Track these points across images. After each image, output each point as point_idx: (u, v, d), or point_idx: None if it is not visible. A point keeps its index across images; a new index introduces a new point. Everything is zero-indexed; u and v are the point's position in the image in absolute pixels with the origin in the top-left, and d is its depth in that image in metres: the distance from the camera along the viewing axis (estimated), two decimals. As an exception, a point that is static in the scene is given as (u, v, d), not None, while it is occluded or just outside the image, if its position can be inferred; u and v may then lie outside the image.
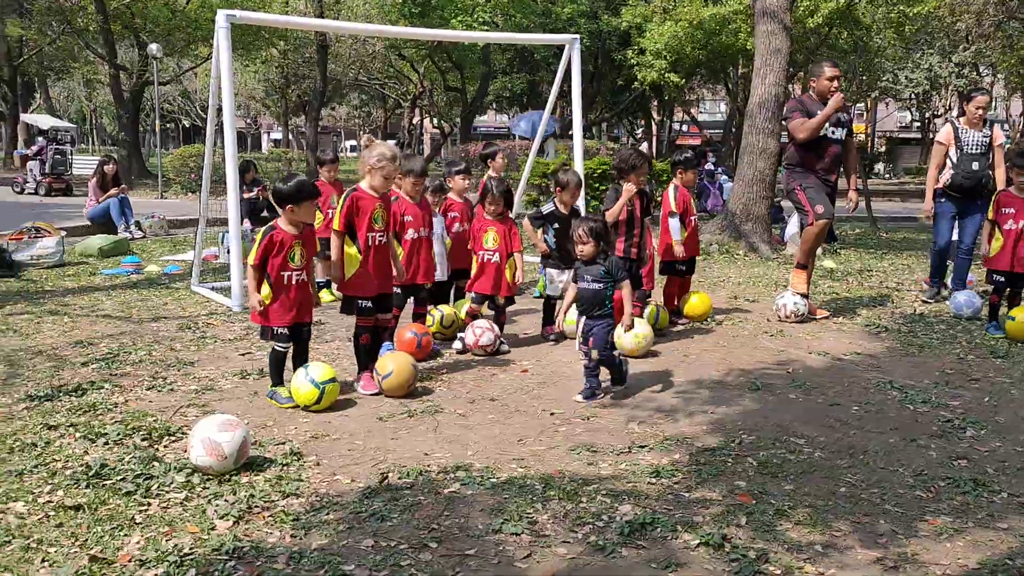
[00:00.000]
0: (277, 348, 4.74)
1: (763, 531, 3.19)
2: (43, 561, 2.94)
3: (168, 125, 54.21)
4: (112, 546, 3.05)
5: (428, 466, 3.86)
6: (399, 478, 3.71)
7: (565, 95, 11.16)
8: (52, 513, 3.31)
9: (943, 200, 7.65)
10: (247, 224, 12.40)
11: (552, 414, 4.65)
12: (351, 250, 4.99)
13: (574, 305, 5.04)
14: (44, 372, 5.34)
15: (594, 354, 4.86)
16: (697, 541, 3.09)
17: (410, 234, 5.60)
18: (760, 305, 7.70)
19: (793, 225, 11.27)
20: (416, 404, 4.78)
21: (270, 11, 25.85)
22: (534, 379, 5.38)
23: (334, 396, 4.67)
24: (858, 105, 44.36)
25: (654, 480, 3.69)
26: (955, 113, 8.62)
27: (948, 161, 7.56)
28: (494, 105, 41.54)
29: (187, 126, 57.72)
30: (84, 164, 24.67)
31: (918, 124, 44.70)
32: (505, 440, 4.24)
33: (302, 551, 3.02)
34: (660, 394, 5.04)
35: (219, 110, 7.73)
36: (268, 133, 65.64)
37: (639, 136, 35.32)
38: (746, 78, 26.43)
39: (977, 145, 7.44)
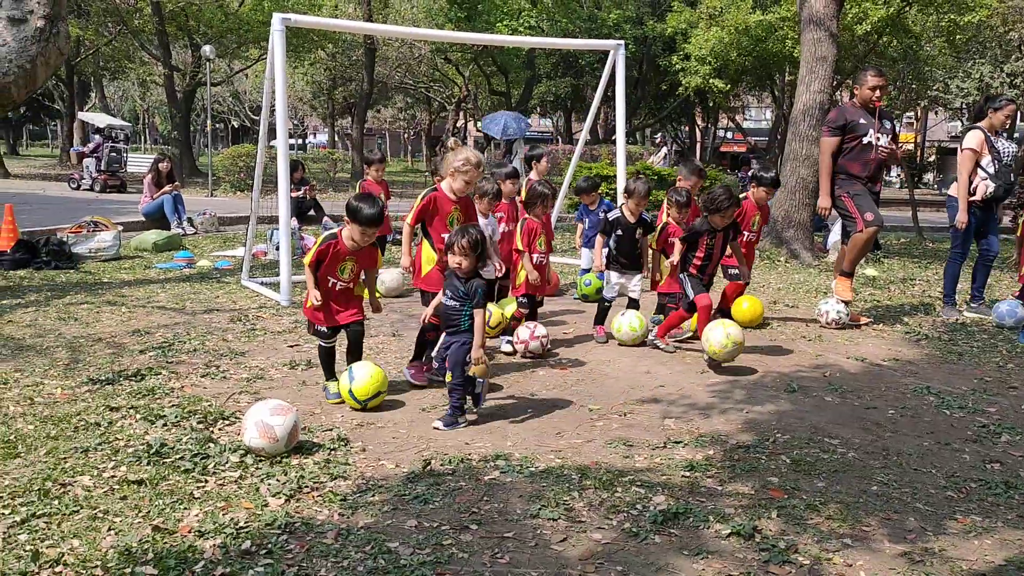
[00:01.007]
0: (321, 344, 4.94)
1: (793, 524, 3.29)
2: (109, 529, 3.14)
3: (218, 125, 55.36)
4: (173, 518, 3.24)
5: (469, 454, 4.00)
6: (441, 465, 3.87)
7: (609, 100, 11.25)
8: (116, 487, 3.52)
9: (972, 211, 7.43)
10: (294, 222, 12.71)
11: (590, 410, 4.77)
12: (428, 249, 5.26)
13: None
14: (104, 358, 5.60)
15: (448, 377, 4.49)
16: (728, 531, 3.20)
17: None
18: (799, 311, 7.74)
19: (836, 233, 11.26)
20: (458, 397, 4.93)
21: (320, 15, 26.37)
22: (573, 376, 5.51)
23: (377, 404, 4.73)
24: (907, 114, 43.76)
25: (688, 473, 3.80)
26: (983, 122, 8.27)
27: (981, 171, 7.36)
28: (538, 109, 41.68)
29: (236, 126, 58.90)
30: (137, 162, 25.31)
31: (969, 134, 43.85)
32: (543, 433, 4.38)
33: (349, 528, 3.19)
34: (696, 392, 5.14)
35: (272, 110, 7.98)
36: (315, 134, 66.60)
37: (657, 141, 35.16)
38: (792, 85, 26.26)
39: (1011, 155, 7.37)
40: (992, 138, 7.38)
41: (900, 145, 7.29)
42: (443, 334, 4.62)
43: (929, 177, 45.86)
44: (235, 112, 53.67)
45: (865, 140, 6.83)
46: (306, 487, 3.57)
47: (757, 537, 3.16)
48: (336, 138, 52.10)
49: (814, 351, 6.24)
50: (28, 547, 2.97)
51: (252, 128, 57.86)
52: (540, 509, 3.38)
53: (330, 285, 4.80)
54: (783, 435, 4.35)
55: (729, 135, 47.83)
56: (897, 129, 7.30)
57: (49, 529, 3.12)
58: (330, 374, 4.94)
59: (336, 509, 3.37)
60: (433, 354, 4.71)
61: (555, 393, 5.10)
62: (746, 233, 6.76)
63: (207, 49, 22.62)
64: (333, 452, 4.00)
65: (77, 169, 23.51)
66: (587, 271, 8.11)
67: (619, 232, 6.35)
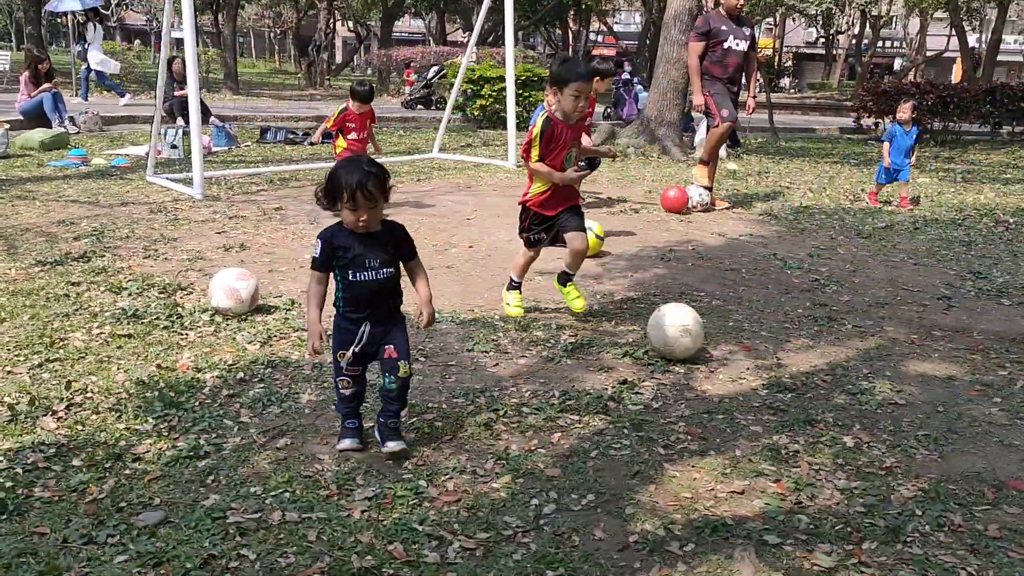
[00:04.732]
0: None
1: (671, 348, 4.23)
2: (118, 369, 3.74)
3: (59, 19, 51.68)
4: (169, 360, 3.87)
5: (407, 311, 4.74)
6: (384, 318, 4.60)
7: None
8: (109, 340, 4.10)
9: None
10: (180, 121, 12.74)
11: (507, 285, 5.57)
12: None
13: None
14: (41, 245, 5.96)
15: (407, 370, 3.25)
16: (623, 354, 4.11)
17: None
18: (670, 198, 8.74)
19: (702, 132, 12.34)
20: (384, 269, 5.63)
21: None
22: (479, 253, 6.28)
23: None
24: (767, 20, 45.61)
25: (588, 318, 4.68)
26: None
27: None
28: (412, 9, 41.10)
29: (82, 21, 55.10)
30: (-11, 60, 23.86)
31: (823, 41, 46.31)
32: (465, 294, 5.16)
33: (321, 363, 3.90)
34: (587, 264, 5.98)
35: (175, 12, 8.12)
36: (172, 29, 63.00)
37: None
38: (661, -10, 27.13)
39: None
40: None
41: (759, 50, 8.25)
42: (366, 326, 3.23)
43: (786, 81, 48.23)
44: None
45: (726, 45, 7.72)
46: (275, 336, 4.25)
47: (644, 358, 4.08)
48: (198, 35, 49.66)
49: (684, 229, 7.24)
50: (54, 382, 3.55)
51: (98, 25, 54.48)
52: (474, 345, 4.19)
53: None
54: (660, 291, 5.30)
55: (600, 39, 48.60)
56: (756, 35, 8.23)
57: (65, 370, 3.70)
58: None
59: (305, 351, 4.07)
60: (347, 356, 3.22)
61: (467, 266, 5.87)
62: None
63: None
64: (288, 311, 4.66)
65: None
66: None
67: None
